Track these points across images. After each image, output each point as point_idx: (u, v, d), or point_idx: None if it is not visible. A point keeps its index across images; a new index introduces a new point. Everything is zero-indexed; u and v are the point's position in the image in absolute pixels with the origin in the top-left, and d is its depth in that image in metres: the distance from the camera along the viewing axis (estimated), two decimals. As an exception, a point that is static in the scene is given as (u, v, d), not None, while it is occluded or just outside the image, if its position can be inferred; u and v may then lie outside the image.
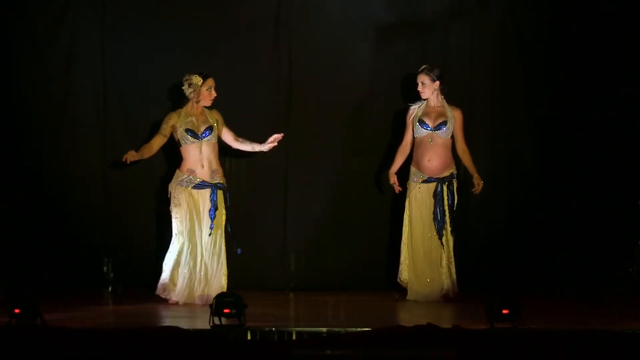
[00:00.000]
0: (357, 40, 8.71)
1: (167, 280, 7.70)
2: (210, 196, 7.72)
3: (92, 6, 8.58)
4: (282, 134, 7.90)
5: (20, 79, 8.55)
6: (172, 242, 7.73)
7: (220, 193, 7.76)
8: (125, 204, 8.55)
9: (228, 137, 7.92)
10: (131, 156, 7.65)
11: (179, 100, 7.97)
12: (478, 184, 7.97)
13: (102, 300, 8.12)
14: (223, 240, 7.75)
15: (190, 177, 7.72)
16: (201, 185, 7.73)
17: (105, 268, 8.52)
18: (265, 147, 7.90)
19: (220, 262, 7.71)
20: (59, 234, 8.47)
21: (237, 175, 8.61)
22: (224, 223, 7.77)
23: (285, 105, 8.65)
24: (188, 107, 7.81)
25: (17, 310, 5.74)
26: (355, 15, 8.69)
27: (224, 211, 7.78)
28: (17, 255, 8.37)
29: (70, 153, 8.54)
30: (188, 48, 8.55)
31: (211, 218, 7.71)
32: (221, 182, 7.79)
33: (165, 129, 7.79)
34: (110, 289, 8.51)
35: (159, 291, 7.71)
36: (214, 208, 7.71)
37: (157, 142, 7.82)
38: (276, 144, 7.90)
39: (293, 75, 8.66)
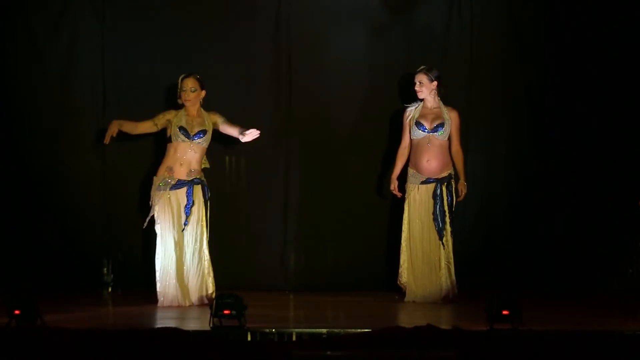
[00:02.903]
0: (357, 40, 8.72)
1: (161, 290, 7.68)
2: (187, 192, 7.72)
3: (92, 6, 8.58)
4: (258, 133, 7.81)
5: (20, 79, 8.55)
6: (157, 249, 7.72)
7: (197, 188, 7.74)
8: (124, 205, 8.55)
9: (234, 131, 7.87)
10: (115, 127, 7.68)
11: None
12: (462, 190, 7.97)
13: (102, 301, 8.13)
14: (204, 236, 7.73)
15: (167, 178, 7.71)
16: (178, 185, 7.71)
17: (104, 269, 8.53)
18: (242, 138, 7.82)
19: (201, 258, 7.70)
20: (59, 235, 8.47)
21: (237, 175, 8.62)
22: (204, 217, 7.75)
23: (285, 105, 8.65)
24: (186, 108, 7.82)
25: (17, 311, 5.74)
26: (355, 16, 8.69)
27: (202, 205, 7.75)
28: (17, 256, 8.37)
29: (69, 153, 8.54)
30: (188, 48, 8.56)
31: (186, 214, 7.70)
32: (198, 177, 7.76)
33: (159, 119, 7.81)
34: (109, 290, 8.51)
35: (159, 302, 7.67)
36: (190, 204, 7.70)
37: (144, 126, 7.84)
38: (249, 135, 7.79)
39: (293, 75, 8.66)
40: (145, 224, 7.76)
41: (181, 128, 7.73)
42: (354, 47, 8.73)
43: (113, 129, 7.71)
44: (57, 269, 8.40)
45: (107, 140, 7.74)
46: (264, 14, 8.69)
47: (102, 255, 8.52)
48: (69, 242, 8.49)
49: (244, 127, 7.83)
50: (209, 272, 7.70)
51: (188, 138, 7.73)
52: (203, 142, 7.76)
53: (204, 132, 7.75)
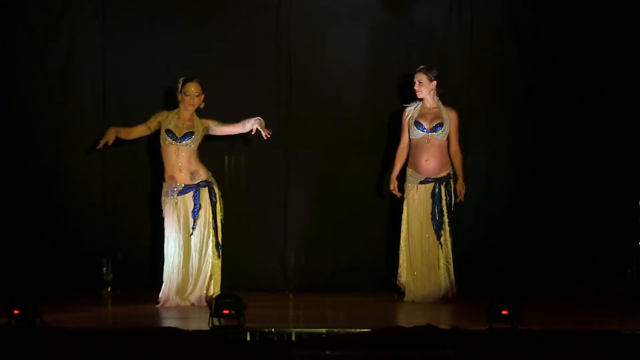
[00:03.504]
0: (357, 40, 8.72)
1: (162, 290, 7.69)
2: (194, 196, 7.72)
3: (92, 6, 8.58)
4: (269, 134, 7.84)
5: (20, 79, 8.55)
6: (165, 253, 7.73)
7: (203, 191, 7.74)
8: (124, 204, 8.56)
9: (227, 129, 7.89)
10: (112, 134, 7.74)
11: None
12: (460, 190, 7.96)
13: (101, 301, 8.13)
14: (210, 238, 7.72)
15: (173, 185, 7.72)
16: (185, 190, 7.72)
17: (104, 269, 8.53)
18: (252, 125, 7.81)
19: (206, 260, 7.69)
20: (59, 235, 8.47)
21: (236, 175, 8.63)
22: (211, 219, 7.74)
23: (284, 105, 8.65)
24: (180, 110, 7.82)
25: (16, 311, 5.74)
26: (355, 16, 8.69)
27: (209, 207, 7.75)
28: (17, 256, 8.37)
29: (69, 153, 8.54)
30: (188, 48, 8.57)
31: (194, 218, 7.70)
32: (204, 179, 7.76)
33: (152, 121, 7.82)
34: (109, 289, 8.51)
35: (160, 303, 7.67)
36: (197, 207, 7.70)
37: (138, 130, 7.86)
38: (257, 127, 7.80)
39: (292, 74, 8.66)
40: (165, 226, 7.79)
41: (168, 131, 7.73)
42: (354, 47, 8.73)
43: (109, 137, 7.74)
44: (57, 269, 8.40)
45: (100, 145, 7.77)
46: (264, 14, 8.69)
47: (102, 255, 8.52)
48: (69, 242, 8.49)
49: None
50: (212, 275, 7.69)
51: (175, 141, 7.73)
52: (191, 144, 7.74)
53: (191, 134, 7.74)
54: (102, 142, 7.76)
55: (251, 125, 7.81)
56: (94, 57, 8.58)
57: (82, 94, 8.60)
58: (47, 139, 8.54)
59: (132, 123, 8.22)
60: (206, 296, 7.63)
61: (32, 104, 8.54)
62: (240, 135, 8.14)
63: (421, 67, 8.05)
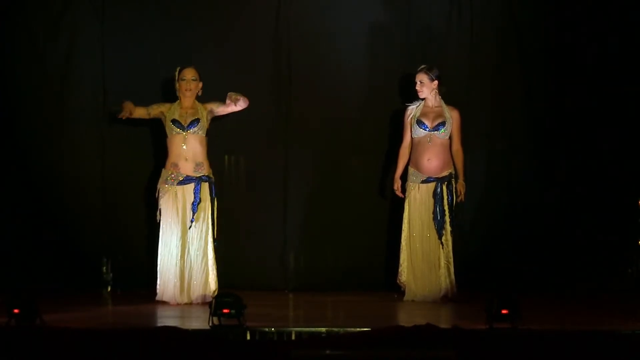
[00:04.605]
0: (357, 39, 8.72)
1: (160, 284, 7.70)
2: (194, 189, 7.71)
3: (92, 6, 8.58)
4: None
5: (20, 79, 8.55)
6: (159, 243, 7.74)
7: (205, 185, 7.74)
8: (124, 204, 8.55)
9: (225, 108, 7.87)
10: (128, 110, 7.75)
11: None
12: (460, 190, 7.96)
13: (101, 300, 8.12)
14: (209, 235, 7.72)
15: (174, 173, 7.71)
16: (185, 181, 7.72)
17: (104, 269, 8.52)
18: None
19: (205, 256, 7.69)
20: (59, 235, 8.47)
21: (237, 175, 8.62)
22: (210, 216, 7.74)
23: (284, 105, 8.65)
24: (180, 100, 7.83)
25: (16, 311, 5.74)
26: (355, 16, 8.69)
27: (209, 203, 7.75)
28: (17, 256, 8.37)
29: (69, 153, 8.54)
30: (188, 48, 8.55)
31: (193, 211, 7.70)
32: (206, 174, 7.76)
33: (154, 109, 7.84)
34: (109, 289, 8.51)
35: (158, 296, 7.69)
36: (197, 201, 7.70)
37: (139, 112, 7.83)
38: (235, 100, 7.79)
39: (292, 74, 8.66)
40: (158, 217, 7.76)
41: (174, 121, 7.75)
42: (354, 47, 8.72)
43: (126, 112, 7.73)
44: (57, 269, 8.40)
45: (124, 115, 7.74)
46: (264, 14, 8.69)
47: (102, 255, 8.52)
48: (68, 242, 8.49)
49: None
50: (211, 270, 7.70)
51: (182, 129, 7.73)
52: (198, 131, 7.76)
53: (197, 120, 7.75)
54: (125, 114, 7.73)
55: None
56: (94, 57, 8.57)
57: (82, 94, 8.59)
58: (47, 139, 8.54)
59: (131, 123, 8.23)
60: (208, 294, 7.62)
61: (32, 104, 8.54)
62: (241, 133, 8.16)
63: (422, 67, 8.05)
